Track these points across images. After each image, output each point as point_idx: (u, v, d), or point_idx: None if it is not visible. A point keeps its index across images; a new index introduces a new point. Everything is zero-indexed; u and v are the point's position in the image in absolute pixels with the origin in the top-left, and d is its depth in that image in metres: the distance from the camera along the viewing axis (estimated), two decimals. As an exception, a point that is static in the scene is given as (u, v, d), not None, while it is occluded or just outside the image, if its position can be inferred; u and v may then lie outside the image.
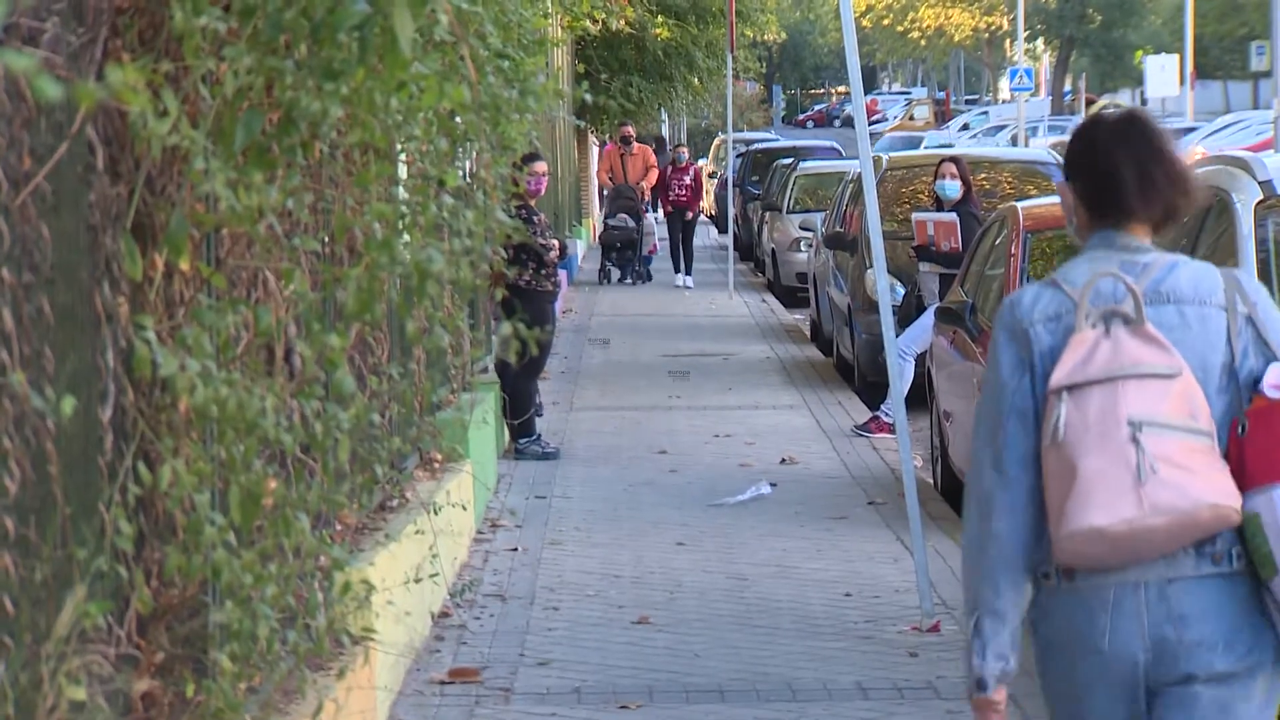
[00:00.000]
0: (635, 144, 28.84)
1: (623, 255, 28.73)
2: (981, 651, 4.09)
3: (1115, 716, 4.10)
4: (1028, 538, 4.09)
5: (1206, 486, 3.97)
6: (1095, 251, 4.17)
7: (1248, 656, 4.05)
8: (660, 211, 30.39)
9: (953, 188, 14.24)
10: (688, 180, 28.55)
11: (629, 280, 28.57)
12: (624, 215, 28.02)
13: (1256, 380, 4.09)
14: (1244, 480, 4.03)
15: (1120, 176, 4.14)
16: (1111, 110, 4.33)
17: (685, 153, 29.99)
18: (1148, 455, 3.95)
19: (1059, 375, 4.03)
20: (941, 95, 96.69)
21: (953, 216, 13.99)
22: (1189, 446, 3.98)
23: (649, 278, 28.73)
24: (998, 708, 4.11)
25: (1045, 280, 4.20)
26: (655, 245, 30.07)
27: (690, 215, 28.48)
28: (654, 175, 28.70)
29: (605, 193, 29.47)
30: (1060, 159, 19.59)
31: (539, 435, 13.51)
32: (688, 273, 28.33)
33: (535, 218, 12.91)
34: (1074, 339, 4.06)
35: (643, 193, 28.44)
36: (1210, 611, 4.03)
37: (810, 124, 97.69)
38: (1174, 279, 4.12)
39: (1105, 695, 4.09)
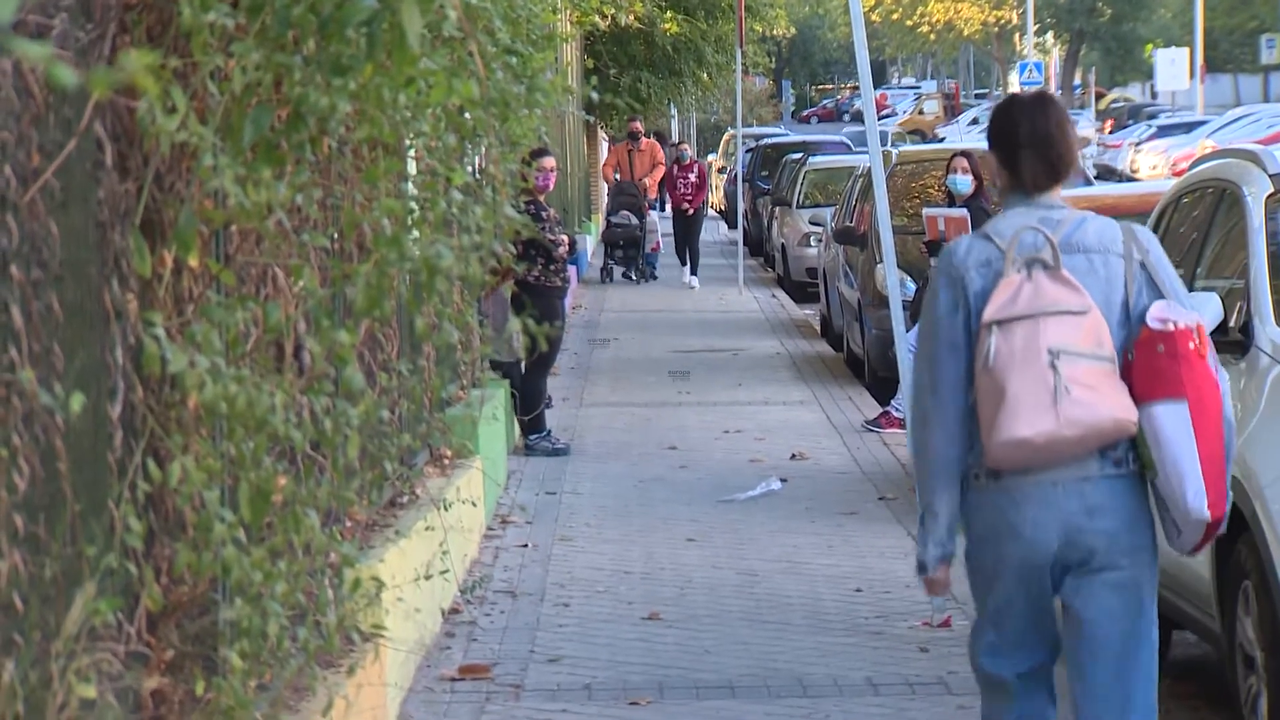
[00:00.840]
0: (644, 139, 28.54)
1: (626, 253, 28.36)
2: (924, 541, 5.01)
3: (1018, 597, 4.96)
4: (959, 448, 4.95)
5: (1110, 403, 4.82)
6: (1017, 209, 5.03)
7: (1139, 542, 4.93)
8: (667, 208, 30.01)
9: (964, 182, 14.20)
10: (692, 178, 28.17)
11: (633, 278, 28.20)
12: (626, 212, 27.63)
13: (1144, 315, 4.95)
14: (1133, 398, 4.88)
15: (1035, 148, 4.99)
16: (1024, 92, 5.17)
17: (689, 150, 29.55)
18: (1063, 378, 4.80)
19: (990, 312, 4.87)
20: (950, 87, 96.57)
21: (964, 212, 13.95)
22: (1096, 370, 4.83)
23: (654, 276, 28.39)
24: (941, 583, 5.05)
25: (978, 233, 5.05)
26: (658, 243, 29.70)
27: (692, 212, 28.08)
28: (660, 171, 28.41)
29: (609, 189, 29.21)
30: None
31: (549, 431, 13.50)
32: (694, 271, 27.94)
33: (544, 213, 12.89)
34: (1002, 282, 4.90)
35: (646, 189, 28.08)
36: (1113, 505, 4.89)
37: (815, 119, 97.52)
38: (1083, 232, 4.98)
39: (1015, 577, 4.94)
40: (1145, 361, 4.90)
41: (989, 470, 4.92)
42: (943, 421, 4.94)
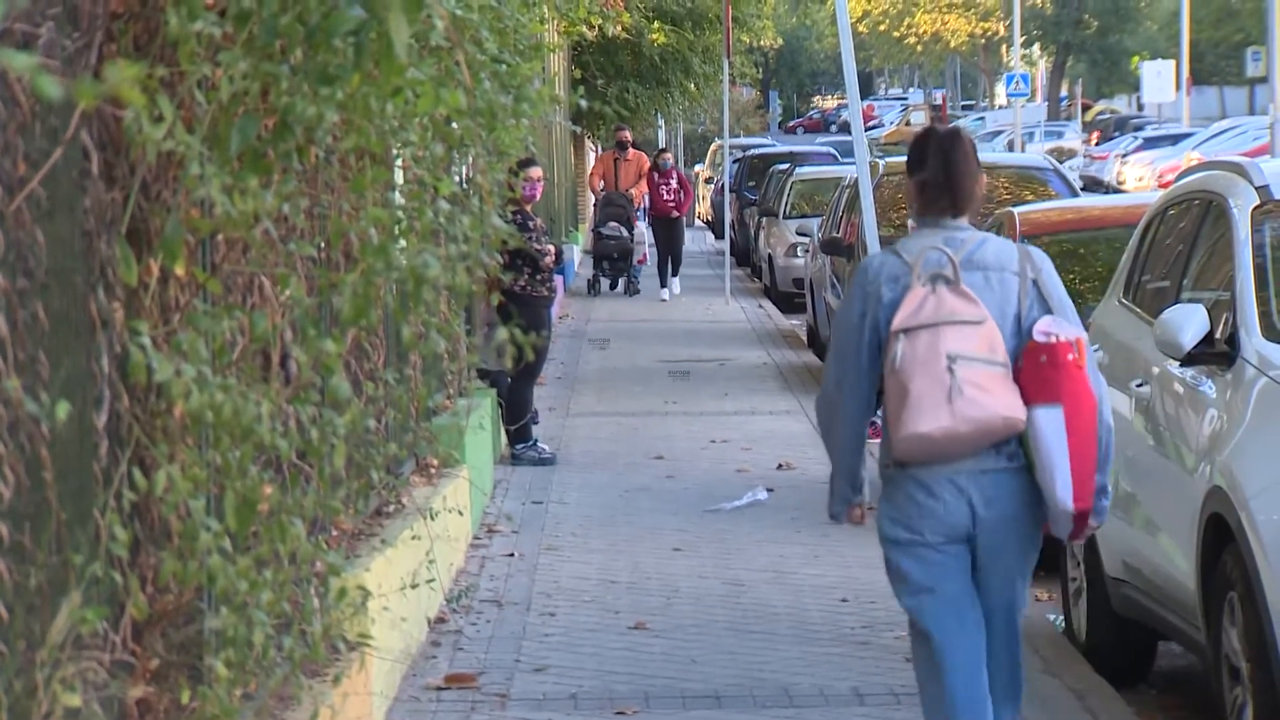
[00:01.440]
0: (631, 149, 27.92)
1: (615, 266, 27.56)
2: (833, 497, 5.82)
3: (950, 556, 5.58)
4: (858, 429, 5.71)
5: (1000, 404, 5.45)
6: (926, 230, 5.69)
7: (1026, 528, 5.61)
8: (646, 216, 29.16)
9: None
10: (673, 184, 27.41)
11: (624, 292, 27.49)
12: (615, 224, 26.93)
13: (1033, 327, 5.55)
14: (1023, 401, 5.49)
15: (944, 179, 5.65)
16: (940, 126, 5.81)
17: (670, 158, 28.69)
18: (959, 380, 5.42)
19: (898, 321, 5.50)
20: (939, 95, 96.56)
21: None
22: (989, 374, 5.45)
23: (637, 290, 27.57)
24: (856, 519, 5.83)
25: (888, 250, 5.69)
26: (645, 255, 29.07)
27: (677, 216, 27.35)
28: (646, 183, 27.74)
29: (597, 200, 28.45)
30: (1056, 164, 19.60)
31: (536, 441, 13.50)
32: (674, 274, 27.37)
33: (531, 223, 12.89)
34: (909, 295, 5.53)
35: (634, 199, 27.52)
36: (1006, 495, 5.55)
37: (800, 130, 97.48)
38: (983, 252, 5.62)
39: (943, 534, 5.57)
40: (1030, 369, 5.52)
41: (897, 462, 5.58)
42: (845, 410, 5.68)
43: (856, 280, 5.69)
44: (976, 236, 5.66)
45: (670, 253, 27.48)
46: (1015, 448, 5.54)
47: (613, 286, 27.69)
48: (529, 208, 13.01)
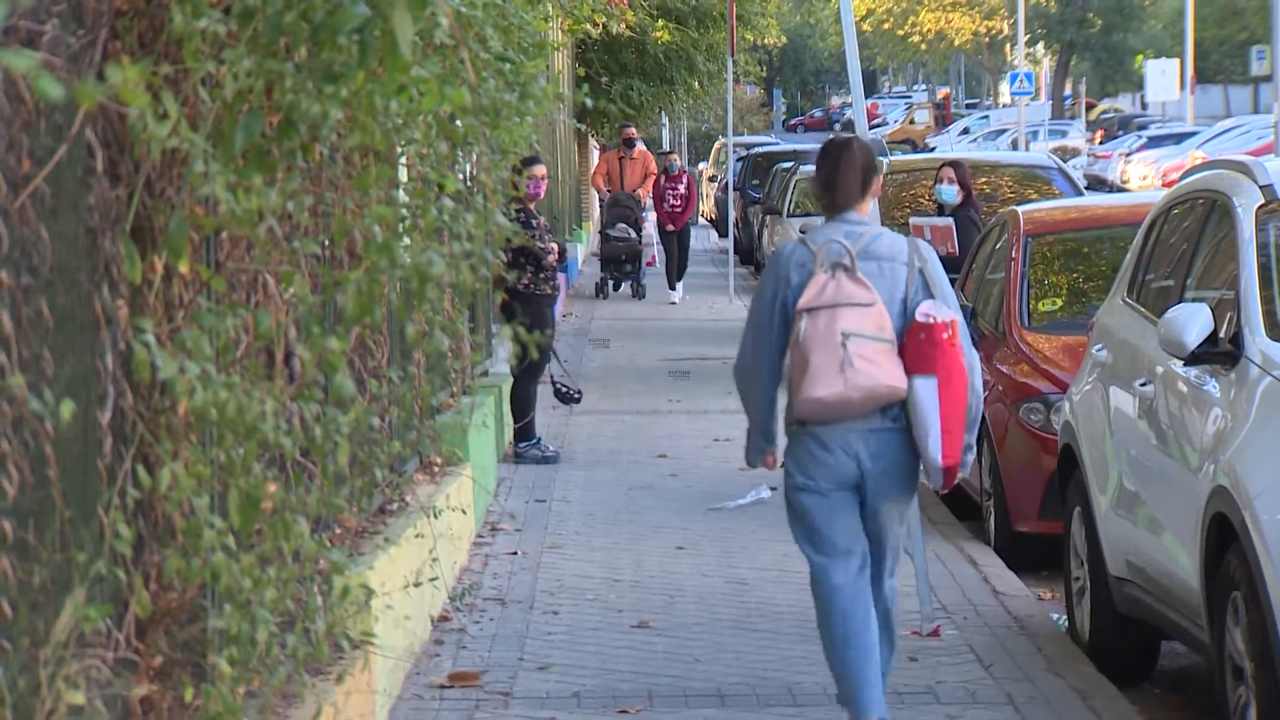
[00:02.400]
0: (637, 148, 27.32)
1: (622, 268, 26.70)
2: (748, 448, 6.95)
3: (834, 508, 6.62)
4: (770, 392, 6.74)
5: (885, 374, 6.46)
6: (831, 224, 6.69)
7: (906, 478, 6.65)
8: (653, 222, 28.00)
9: (950, 192, 14.22)
10: (681, 189, 26.65)
11: (633, 294, 26.79)
12: (623, 225, 26.08)
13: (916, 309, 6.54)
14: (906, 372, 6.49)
15: (840, 180, 6.66)
16: (839, 136, 6.85)
17: (677, 160, 27.79)
18: (850, 354, 6.44)
19: (802, 302, 6.50)
20: (942, 94, 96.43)
21: (948, 221, 13.97)
22: (877, 349, 6.47)
23: (644, 293, 26.77)
24: (769, 464, 6.91)
25: (799, 240, 6.70)
26: (654, 257, 28.38)
27: (678, 229, 26.51)
28: (651, 182, 27.04)
29: (602, 200, 27.59)
30: (1060, 163, 19.57)
31: (539, 439, 13.50)
32: (680, 278, 26.63)
33: (534, 221, 12.89)
34: (813, 279, 6.53)
35: (641, 200, 26.72)
36: (890, 450, 6.58)
37: (801, 129, 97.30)
38: (877, 244, 6.61)
39: (834, 482, 6.61)
40: (912, 345, 6.51)
41: (799, 421, 6.61)
42: (759, 375, 6.72)
43: (771, 264, 6.72)
44: (873, 231, 6.65)
45: (679, 257, 26.71)
46: (899, 411, 6.55)
47: (616, 288, 27.09)
48: (533, 206, 13.01)
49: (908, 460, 6.61)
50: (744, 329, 6.80)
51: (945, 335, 6.49)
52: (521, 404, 13.22)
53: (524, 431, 13.34)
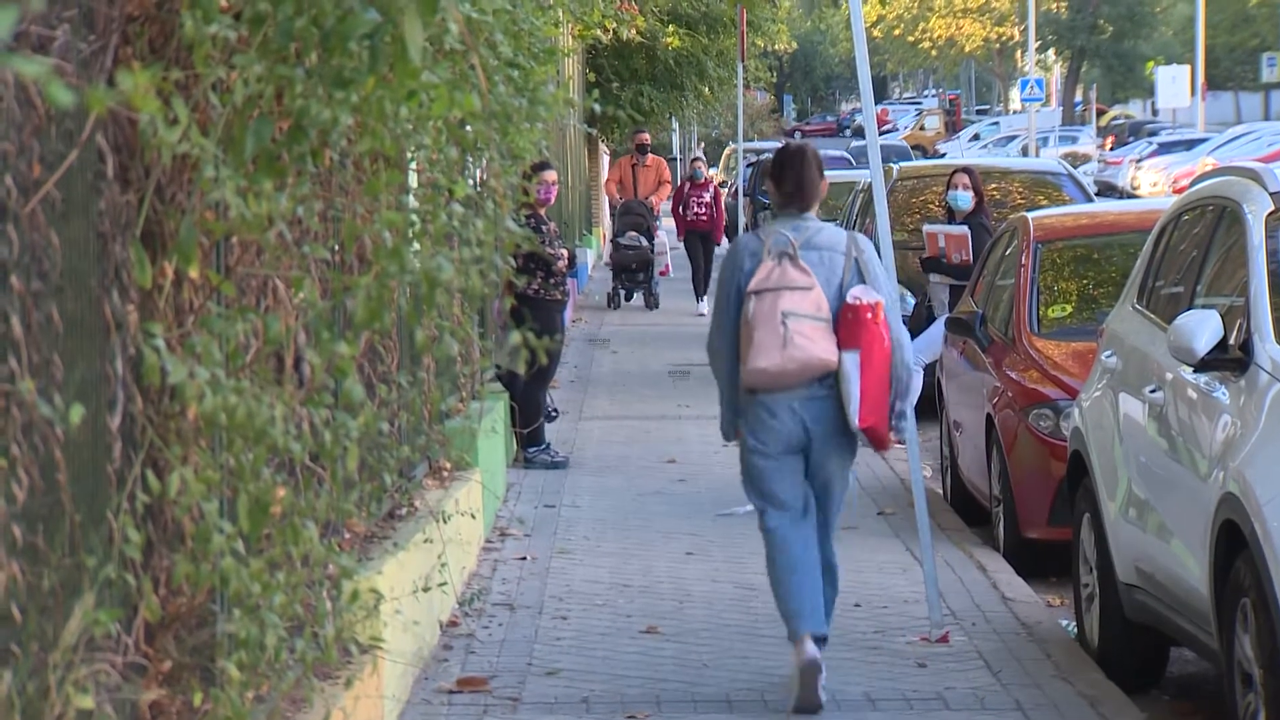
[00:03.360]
0: (650, 154, 26.57)
1: (633, 278, 25.75)
2: (723, 422, 7.83)
3: (781, 466, 7.57)
4: (734, 366, 7.59)
5: (819, 349, 7.42)
6: (782, 219, 7.64)
7: (841, 440, 7.57)
8: (677, 233, 26.90)
9: (965, 198, 14.20)
10: (707, 198, 25.71)
11: (646, 305, 26.00)
12: (634, 234, 25.31)
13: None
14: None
15: (793, 184, 7.62)
16: (794, 143, 7.86)
17: (703, 167, 26.81)
18: (789, 331, 7.40)
19: (751, 285, 7.48)
20: (953, 100, 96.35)
21: (964, 229, 13.95)
22: (813, 327, 7.43)
23: (657, 303, 25.99)
24: (739, 437, 7.70)
25: (753, 233, 7.70)
26: (668, 266, 27.69)
27: (707, 236, 25.67)
28: (666, 190, 26.36)
29: (614, 208, 26.84)
30: (1070, 169, 19.56)
31: (548, 444, 13.50)
32: (707, 289, 24.95)
33: (544, 226, 12.88)
34: (761, 266, 7.49)
35: (653, 208, 25.95)
36: (827, 416, 7.52)
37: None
38: (819, 237, 7.58)
39: (777, 455, 7.58)
40: (842, 323, 7.46)
41: (749, 389, 7.55)
42: (726, 352, 7.61)
43: (729, 253, 7.70)
44: (816, 225, 7.63)
45: (705, 266, 25.61)
46: (833, 380, 7.47)
47: (629, 298, 26.26)
48: (543, 211, 13.01)
49: (844, 423, 7.52)
50: (712, 315, 7.76)
51: (869, 315, 7.44)
52: (530, 409, 13.21)
53: (533, 437, 13.34)
